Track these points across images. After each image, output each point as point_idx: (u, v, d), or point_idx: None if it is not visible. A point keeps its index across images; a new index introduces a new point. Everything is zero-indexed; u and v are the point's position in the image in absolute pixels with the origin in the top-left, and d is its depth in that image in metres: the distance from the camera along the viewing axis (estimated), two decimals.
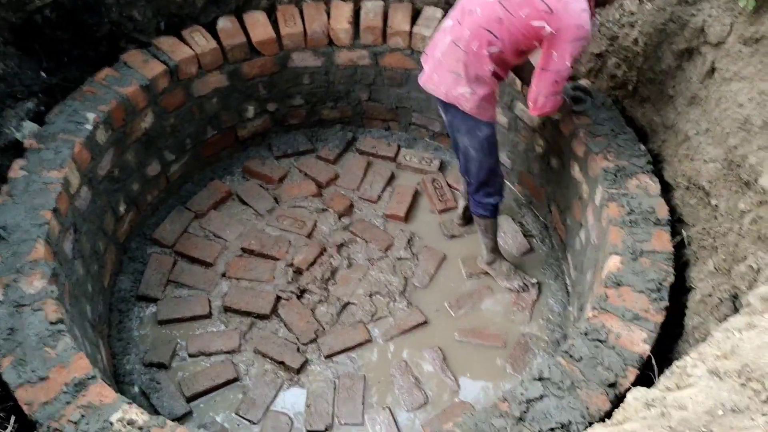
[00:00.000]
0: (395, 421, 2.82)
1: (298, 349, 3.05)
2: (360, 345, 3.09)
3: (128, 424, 2.03)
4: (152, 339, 3.09)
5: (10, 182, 2.67)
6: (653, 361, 2.09)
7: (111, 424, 2.02)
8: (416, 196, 3.70)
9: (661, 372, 2.10)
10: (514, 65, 2.81)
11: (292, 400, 2.91)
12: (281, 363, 2.99)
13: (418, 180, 3.79)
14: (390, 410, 2.85)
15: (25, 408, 2.05)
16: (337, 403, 2.87)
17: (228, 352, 3.04)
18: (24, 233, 2.50)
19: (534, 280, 3.29)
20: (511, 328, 3.15)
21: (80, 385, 2.11)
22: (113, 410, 2.06)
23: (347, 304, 3.24)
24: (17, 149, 2.83)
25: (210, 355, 3.04)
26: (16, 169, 2.72)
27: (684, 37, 2.65)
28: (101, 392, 2.11)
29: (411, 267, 3.38)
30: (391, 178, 3.80)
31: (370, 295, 3.27)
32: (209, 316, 3.18)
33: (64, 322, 2.27)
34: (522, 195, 3.68)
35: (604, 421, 1.79)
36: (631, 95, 3.04)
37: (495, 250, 3.26)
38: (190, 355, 3.03)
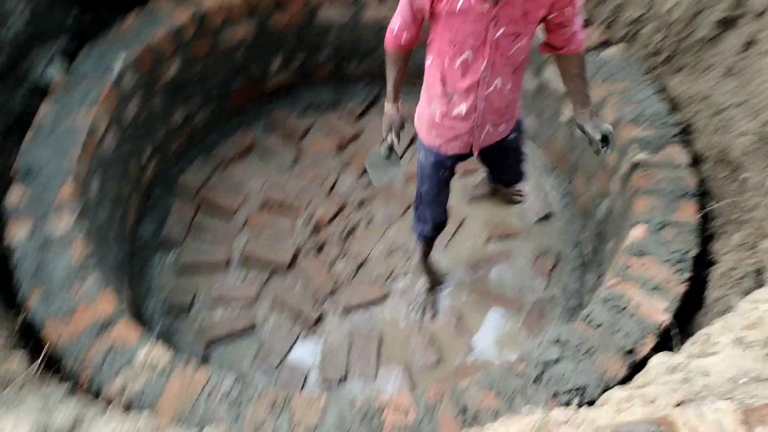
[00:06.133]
0: (409, 376, 2.86)
1: (315, 303, 3.08)
2: (376, 301, 3.12)
3: (152, 362, 2.08)
4: (173, 285, 3.13)
5: (38, 122, 2.68)
6: (676, 329, 2.09)
7: (135, 361, 2.07)
8: None
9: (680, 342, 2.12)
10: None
11: (307, 351, 2.95)
12: (298, 315, 3.03)
13: None
14: (403, 366, 2.89)
15: (51, 342, 2.10)
16: (351, 357, 2.92)
17: (246, 301, 3.08)
18: (52, 173, 2.53)
19: (431, 314, 3.07)
20: (527, 294, 3.16)
21: (106, 323, 2.16)
22: (137, 348, 2.11)
23: (365, 260, 3.26)
24: (45, 90, 2.84)
25: (229, 303, 3.08)
26: (45, 111, 2.73)
27: (724, 5, 2.58)
28: (126, 330, 2.15)
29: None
30: (414, 139, 3.78)
31: (389, 253, 3.28)
32: (229, 265, 3.21)
33: (91, 261, 2.31)
34: (546, 161, 3.65)
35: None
36: (664, 63, 2.98)
37: (417, 269, 3.16)
38: (210, 303, 3.08)
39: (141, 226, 3.30)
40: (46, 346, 2.02)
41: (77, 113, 2.72)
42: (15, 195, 2.45)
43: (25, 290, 2.21)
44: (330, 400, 2.01)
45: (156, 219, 3.34)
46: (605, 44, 3.11)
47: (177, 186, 3.47)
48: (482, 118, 2.33)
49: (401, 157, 2.67)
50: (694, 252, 2.40)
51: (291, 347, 2.95)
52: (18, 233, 2.35)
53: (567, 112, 3.28)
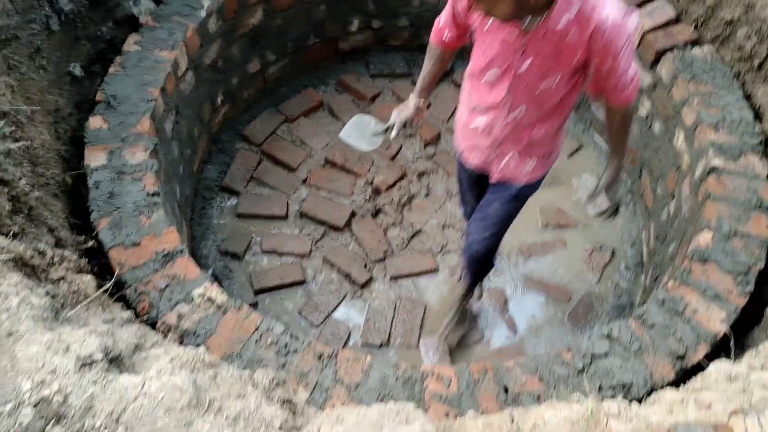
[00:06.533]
0: (449, 351, 2.88)
1: (366, 266, 3.12)
2: (425, 273, 3.14)
3: (208, 300, 2.14)
4: (230, 229, 3.21)
5: (123, 54, 2.75)
6: (732, 341, 2.05)
7: (192, 297, 2.14)
8: None
9: (735, 353, 2.08)
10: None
11: (352, 312, 3.00)
12: (347, 275, 3.07)
13: None
14: (445, 340, 2.91)
15: (116, 268, 2.18)
16: (395, 324, 2.95)
17: (299, 255, 3.14)
18: (132, 106, 2.60)
19: (436, 358, 2.84)
20: (577, 285, 3.14)
21: (168, 256, 2.22)
22: (196, 285, 2.17)
23: (419, 231, 3.27)
24: (132, 23, 2.91)
25: (281, 254, 3.14)
26: (131, 44, 2.80)
27: None
28: (187, 266, 2.22)
29: None
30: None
31: (443, 227, 3.29)
32: (286, 218, 3.27)
33: (160, 195, 2.38)
34: None
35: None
36: (755, 70, 2.87)
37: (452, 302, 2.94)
38: (263, 251, 3.15)
39: (206, 168, 3.38)
40: (116, 273, 2.10)
41: (161, 50, 2.77)
42: (96, 121, 2.53)
43: (96, 215, 2.29)
44: (374, 360, 2.05)
45: (221, 163, 3.41)
46: (695, 43, 3.01)
47: (244, 134, 3.53)
48: (502, 142, 2.23)
49: (383, 142, 2.54)
50: (759, 266, 2.34)
51: (337, 306, 3.00)
52: (96, 159, 2.42)
53: (644, 107, 3.20)
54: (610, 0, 1.84)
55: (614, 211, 2.39)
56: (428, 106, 3.74)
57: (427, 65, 2.38)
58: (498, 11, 1.76)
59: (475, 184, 2.56)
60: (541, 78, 1.99)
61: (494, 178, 2.38)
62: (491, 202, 2.47)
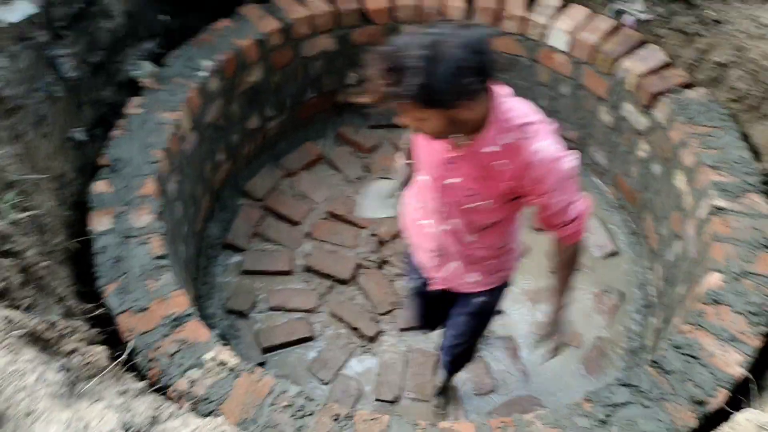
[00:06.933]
0: (463, 403, 2.84)
1: (374, 318, 3.09)
2: None
3: (220, 363, 2.10)
4: (235, 287, 3.18)
5: (127, 118, 2.77)
6: (754, 385, 2.03)
7: (203, 361, 2.10)
8: None
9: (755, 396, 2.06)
10: None
11: (363, 366, 2.96)
12: (356, 329, 3.04)
13: None
14: (458, 392, 2.87)
15: (124, 335, 2.15)
16: (407, 377, 2.91)
17: (305, 311, 3.11)
18: (136, 168, 2.60)
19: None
20: (588, 330, 3.11)
21: (178, 320, 2.20)
22: (206, 349, 2.14)
23: None
24: (133, 87, 2.94)
25: (288, 311, 3.11)
26: (134, 106, 2.82)
27: None
28: (196, 330, 2.19)
29: None
30: None
31: None
32: (291, 273, 3.25)
33: (168, 257, 2.37)
34: (614, 198, 3.60)
35: None
36: (750, 110, 2.92)
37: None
38: (269, 308, 3.12)
39: (209, 226, 3.37)
40: (130, 345, 2.06)
41: (164, 112, 2.80)
42: (101, 185, 2.53)
43: (103, 281, 2.27)
44: (393, 419, 2.01)
45: (223, 221, 3.41)
46: (689, 85, 3.06)
47: (245, 190, 3.54)
48: (443, 250, 2.11)
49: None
50: None
51: (346, 361, 2.96)
52: (101, 223, 2.41)
53: (642, 150, 3.24)
54: (548, 136, 1.75)
55: (557, 350, 2.19)
56: None
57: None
58: (427, 128, 1.66)
59: (424, 293, 2.39)
60: (469, 198, 1.87)
61: (436, 285, 2.25)
62: (458, 314, 2.39)
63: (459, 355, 2.56)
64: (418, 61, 1.49)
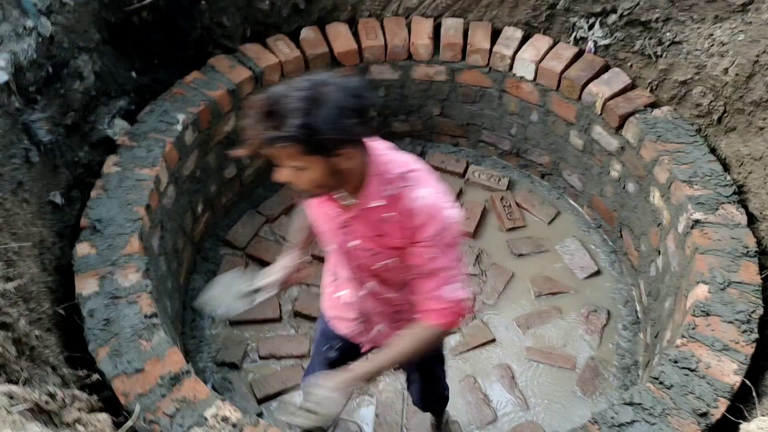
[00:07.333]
0: None
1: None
2: None
3: (222, 420, 2.06)
4: (224, 339, 3.14)
5: (104, 177, 2.74)
6: (754, 392, 2.06)
7: (205, 419, 2.06)
8: (485, 213, 3.71)
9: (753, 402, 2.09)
10: None
11: (361, 409, 2.93)
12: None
13: (486, 197, 3.80)
14: (459, 425, 2.85)
15: (121, 399, 2.10)
16: (406, 415, 2.88)
17: (298, 357, 3.07)
18: (118, 227, 2.57)
19: None
20: (580, 351, 3.14)
21: (175, 379, 2.15)
22: (207, 405, 2.09)
23: None
24: (108, 145, 2.92)
25: (280, 358, 3.07)
26: (110, 165, 2.79)
27: None
28: (195, 387, 2.15)
29: (479, 283, 3.39)
30: (460, 194, 3.82)
31: None
32: (279, 319, 3.22)
33: (158, 315, 2.33)
34: (591, 219, 3.67)
35: None
36: (715, 125, 3.02)
37: None
38: (261, 357, 3.08)
39: (193, 279, 3.33)
40: (137, 411, 2.01)
41: (141, 169, 2.78)
42: (84, 247, 2.48)
43: (94, 345, 2.22)
44: None
45: (206, 272, 3.37)
46: (654, 105, 3.16)
47: (227, 239, 3.51)
48: (366, 314, 2.06)
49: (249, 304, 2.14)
50: (759, 312, 2.38)
51: (344, 405, 2.91)
52: (87, 286, 2.37)
53: (615, 170, 3.32)
54: (430, 184, 1.69)
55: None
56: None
57: (303, 216, 2.10)
58: (306, 179, 1.57)
59: (339, 356, 2.28)
60: (374, 258, 1.81)
61: (365, 348, 2.19)
62: (409, 374, 2.49)
63: (433, 400, 2.59)
64: (300, 102, 1.47)
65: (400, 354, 1.82)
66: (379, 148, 1.72)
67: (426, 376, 2.46)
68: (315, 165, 1.54)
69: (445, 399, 2.65)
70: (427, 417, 2.86)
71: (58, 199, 2.66)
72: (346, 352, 2.25)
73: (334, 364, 2.27)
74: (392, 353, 1.83)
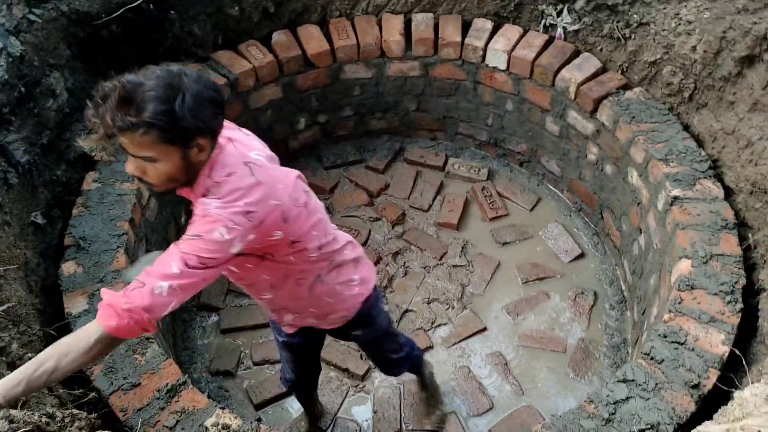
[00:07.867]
0: (462, 426, 2.85)
1: (362, 356, 3.08)
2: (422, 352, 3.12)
3: (223, 428, 2.06)
4: (216, 347, 3.13)
5: (84, 194, 2.72)
6: (743, 361, 2.11)
7: (206, 428, 2.06)
8: (467, 204, 3.74)
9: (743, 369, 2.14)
10: None
11: (358, 406, 2.94)
12: (345, 370, 3.02)
13: (467, 189, 3.83)
14: (456, 415, 2.88)
15: (119, 415, 2.09)
16: (403, 409, 2.90)
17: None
18: (103, 243, 2.55)
19: None
20: (570, 333, 3.18)
21: (172, 391, 2.15)
22: (207, 415, 2.10)
23: (406, 311, 3.28)
24: (86, 162, 2.89)
25: (274, 363, 3.07)
26: (90, 182, 2.78)
27: (745, 44, 2.69)
28: (193, 397, 2.15)
29: (466, 274, 3.42)
30: (441, 187, 3.85)
31: (429, 303, 3.30)
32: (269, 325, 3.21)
33: None
34: (572, 203, 3.71)
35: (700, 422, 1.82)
36: (686, 102, 3.08)
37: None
38: (255, 363, 3.08)
39: None
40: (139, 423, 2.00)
41: (122, 183, 2.76)
42: (70, 266, 2.47)
43: None
44: None
45: None
46: (626, 87, 3.21)
47: None
48: (282, 308, 2.10)
49: None
50: (741, 283, 2.44)
51: (341, 404, 2.93)
52: (76, 305, 2.35)
53: (592, 153, 3.36)
54: (230, 196, 1.59)
55: None
56: (387, 188, 3.81)
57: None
58: (157, 172, 1.55)
59: (299, 345, 2.36)
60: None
61: (289, 330, 2.26)
62: (365, 348, 2.55)
63: (392, 367, 2.59)
64: (160, 90, 1.46)
65: (41, 362, 1.55)
66: (222, 144, 1.66)
67: (374, 354, 2.56)
68: (169, 156, 1.53)
69: (406, 361, 2.57)
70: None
71: (40, 219, 2.63)
72: (304, 339, 2.29)
73: (297, 352, 2.38)
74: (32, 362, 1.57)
